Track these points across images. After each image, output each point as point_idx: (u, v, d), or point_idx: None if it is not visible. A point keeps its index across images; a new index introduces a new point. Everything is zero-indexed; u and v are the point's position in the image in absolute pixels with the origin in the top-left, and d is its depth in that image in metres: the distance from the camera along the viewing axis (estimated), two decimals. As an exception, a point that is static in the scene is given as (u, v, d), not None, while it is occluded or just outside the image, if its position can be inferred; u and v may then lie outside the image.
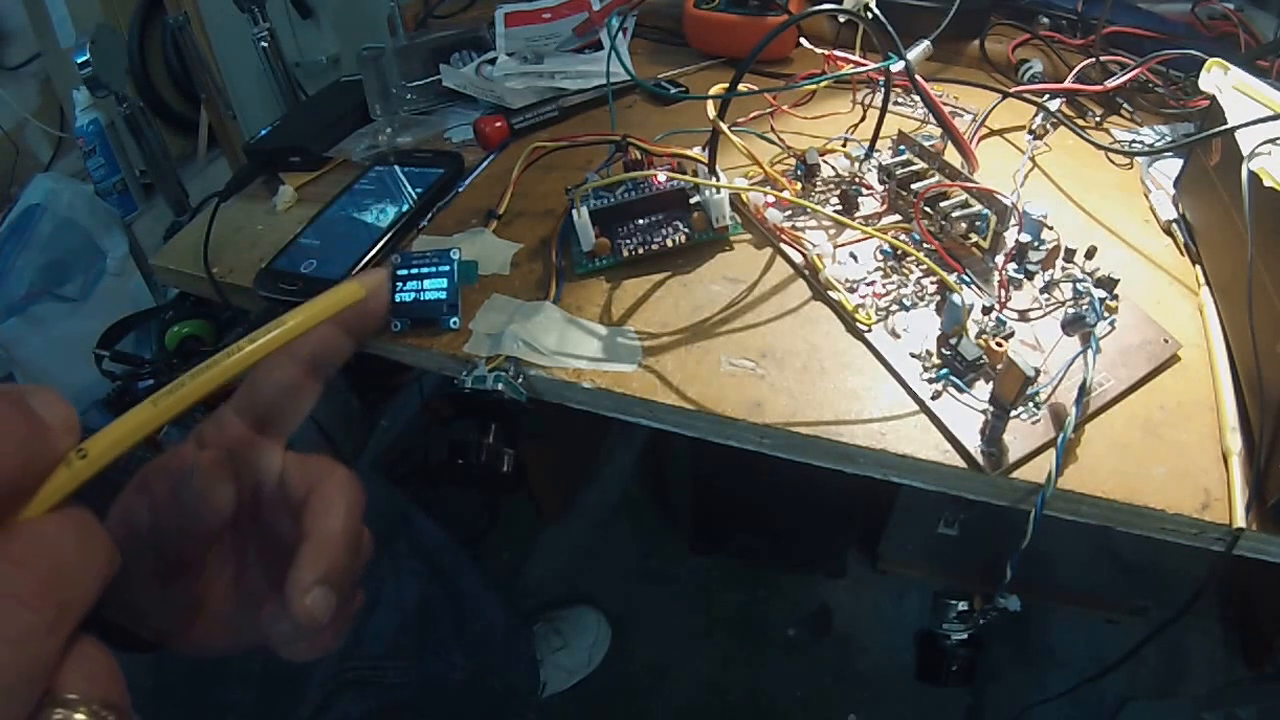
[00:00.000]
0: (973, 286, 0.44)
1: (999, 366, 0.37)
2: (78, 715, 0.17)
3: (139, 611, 0.25)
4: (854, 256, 0.47)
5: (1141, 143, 0.56)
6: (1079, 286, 0.43)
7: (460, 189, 0.57)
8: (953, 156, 0.48)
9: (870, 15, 0.48)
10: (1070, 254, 0.44)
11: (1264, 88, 0.42)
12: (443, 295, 0.45)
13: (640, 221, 0.49)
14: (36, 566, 0.17)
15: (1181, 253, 0.47)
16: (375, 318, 0.31)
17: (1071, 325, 0.40)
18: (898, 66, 0.47)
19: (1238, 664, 1.01)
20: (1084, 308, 0.41)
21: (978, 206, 0.44)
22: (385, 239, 0.51)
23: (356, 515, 0.26)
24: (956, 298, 0.39)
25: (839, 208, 0.50)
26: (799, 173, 0.52)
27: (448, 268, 0.46)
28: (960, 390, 0.39)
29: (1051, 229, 0.43)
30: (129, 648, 0.26)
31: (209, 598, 0.27)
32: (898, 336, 0.42)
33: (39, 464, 0.18)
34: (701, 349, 0.43)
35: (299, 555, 0.24)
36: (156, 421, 0.21)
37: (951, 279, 0.42)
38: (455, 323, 0.45)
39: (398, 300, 0.44)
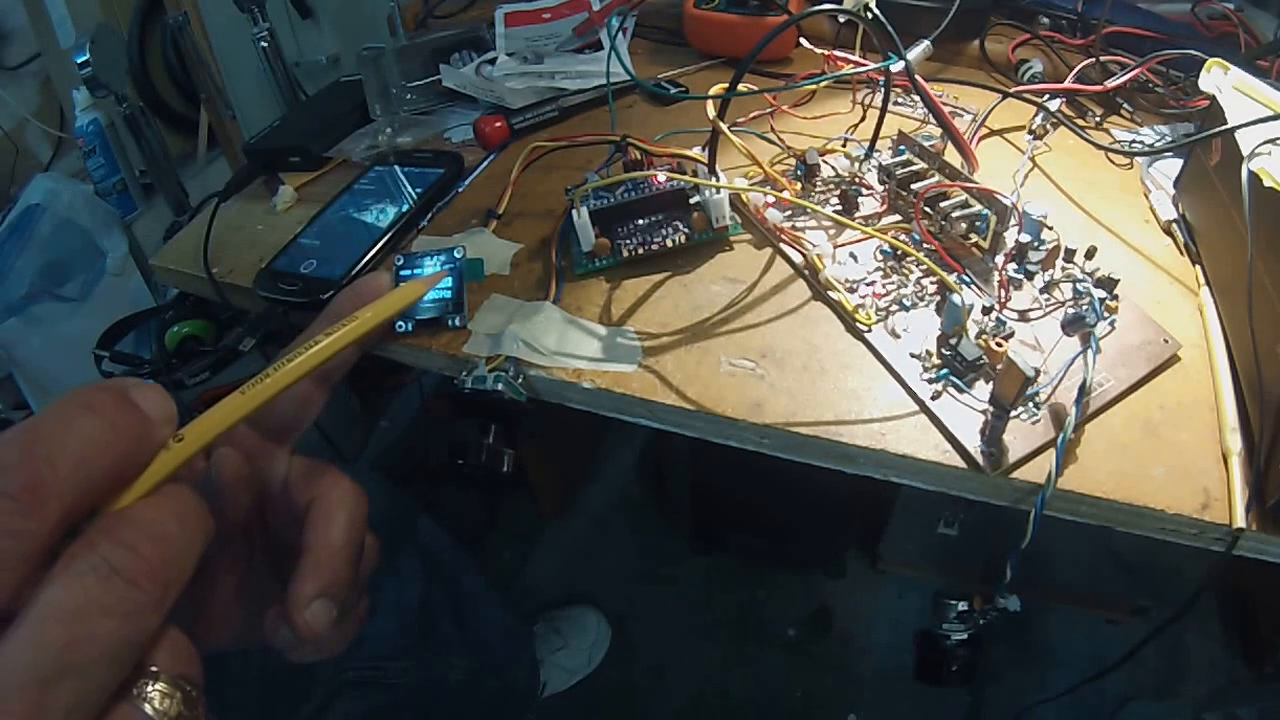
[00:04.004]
0: (973, 286, 0.44)
1: (999, 366, 0.37)
2: (160, 685, 0.19)
3: None
4: (854, 256, 0.47)
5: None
6: (1079, 286, 0.43)
7: (460, 189, 0.57)
8: (953, 156, 0.48)
9: (870, 15, 0.48)
10: (1070, 254, 0.44)
11: (1264, 88, 0.42)
12: (448, 294, 0.45)
13: (640, 222, 0.49)
14: (145, 550, 0.19)
15: (1181, 253, 0.47)
16: (382, 327, 0.31)
17: (1071, 325, 0.40)
18: (898, 66, 0.47)
19: (1238, 664, 1.01)
20: (1084, 308, 0.41)
21: (978, 206, 0.44)
22: (385, 239, 0.51)
23: (359, 527, 0.26)
24: (956, 298, 0.39)
25: (839, 208, 0.50)
26: (799, 173, 0.52)
27: (453, 266, 0.46)
28: (960, 390, 0.39)
29: (1051, 229, 0.43)
30: None
31: (214, 597, 0.27)
32: (898, 336, 0.42)
33: (145, 452, 0.20)
34: (701, 349, 0.43)
35: (298, 569, 0.24)
36: (245, 409, 0.23)
37: (951, 279, 0.42)
38: (460, 321, 0.45)
39: None
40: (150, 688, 0.18)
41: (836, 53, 0.55)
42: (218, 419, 0.22)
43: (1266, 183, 0.37)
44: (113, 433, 0.19)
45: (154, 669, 0.19)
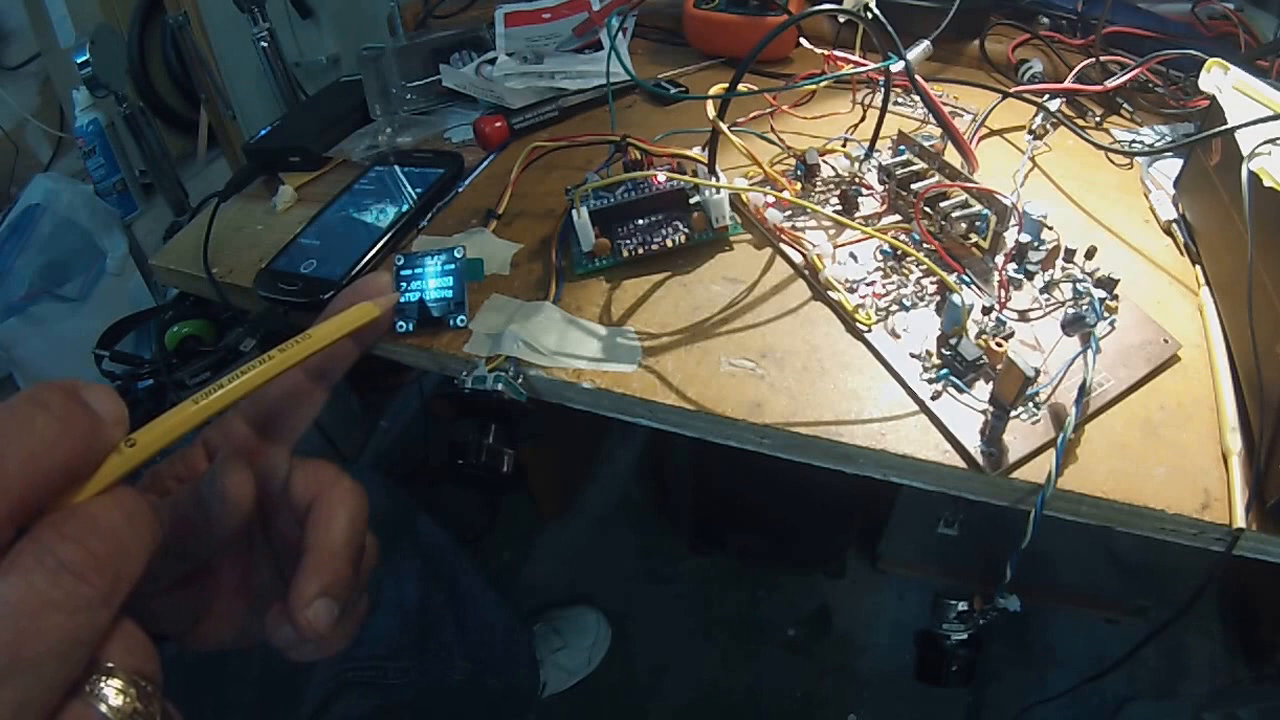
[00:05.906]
0: (973, 286, 0.44)
1: (999, 366, 0.37)
2: (115, 681, 0.18)
3: (148, 608, 0.25)
4: (854, 256, 0.47)
5: (1141, 143, 0.56)
6: (1079, 286, 0.43)
7: (460, 189, 0.57)
8: (953, 156, 0.48)
9: (870, 15, 0.48)
10: (1070, 254, 0.44)
11: (1264, 88, 0.42)
12: (449, 294, 0.45)
13: (640, 221, 0.49)
14: (93, 544, 0.18)
15: (1181, 253, 0.47)
16: (382, 326, 0.31)
17: (1071, 325, 0.40)
18: (898, 66, 0.47)
19: (1238, 664, 1.01)
20: (1084, 308, 0.41)
21: (978, 206, 0.44)
22: (385, 239, 0.51)
23: (359, 526, 0.26)
24: (956, 298, 0.39)
25: (839, 208, 0.50)
26: (799, 173, 0.52)
27: (453, 266, 0.46)
28: (960, 390, 0.39)
29: (1051, 229, 0.43)
30: None
31: (216, 596, 0.27)
32: (898, 336, 0.42)
33: (95, 452, 0.20)
34: (701, 349, 0.43)
35: (300, 568, 0.24)
36: (198, 418, 0.23)
37: (951, 279, 0.42)
38: (462, 321, 0.45)
39: (403, 301, 0.44)
40: (105, 684, 0.18)
41: (836, 53, 0.55)
42: (171, 425, 0.22)
43: (1266, 183, 0.37)
44: (63, 430, 0.19)
45: (109, 665, 0.19)
